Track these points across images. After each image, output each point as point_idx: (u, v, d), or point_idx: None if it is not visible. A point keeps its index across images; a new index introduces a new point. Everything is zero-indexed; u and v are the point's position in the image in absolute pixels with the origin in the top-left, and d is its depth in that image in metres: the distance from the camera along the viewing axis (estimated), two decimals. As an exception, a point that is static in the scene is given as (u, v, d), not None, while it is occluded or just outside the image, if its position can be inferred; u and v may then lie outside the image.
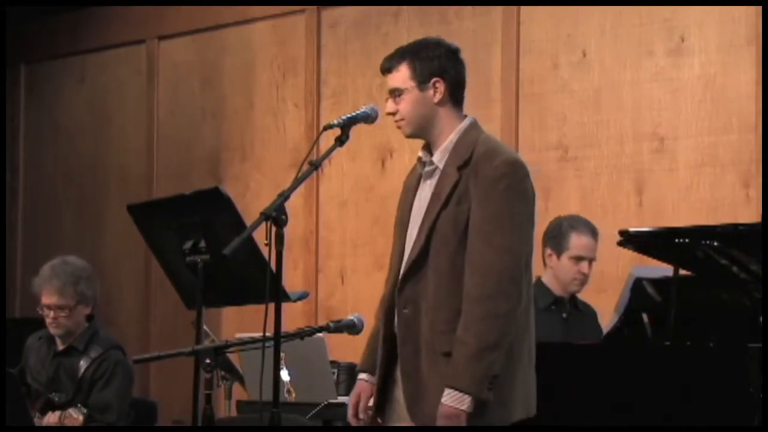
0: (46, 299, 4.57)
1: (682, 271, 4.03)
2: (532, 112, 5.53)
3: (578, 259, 4.51)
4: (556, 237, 4.52)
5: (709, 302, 4.05)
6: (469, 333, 3.07)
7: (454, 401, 3.07)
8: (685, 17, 5.13)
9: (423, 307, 3.19)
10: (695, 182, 5.08)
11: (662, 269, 4.14)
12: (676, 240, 3.97)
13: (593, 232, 4.56)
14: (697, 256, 3.95)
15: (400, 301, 3.24)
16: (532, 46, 5.54)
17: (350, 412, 3.35)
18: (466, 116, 3.32)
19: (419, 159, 3.34)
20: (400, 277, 3.26)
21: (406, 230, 3.30)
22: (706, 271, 4.02)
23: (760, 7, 4.86)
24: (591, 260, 4.55)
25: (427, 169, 3.30)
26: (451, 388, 3.08)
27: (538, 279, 4.52)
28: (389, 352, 3.28)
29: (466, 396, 3.06)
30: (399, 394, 3.26)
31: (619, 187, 5.28)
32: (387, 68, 3.31)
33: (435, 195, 3.23)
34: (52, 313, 4.56)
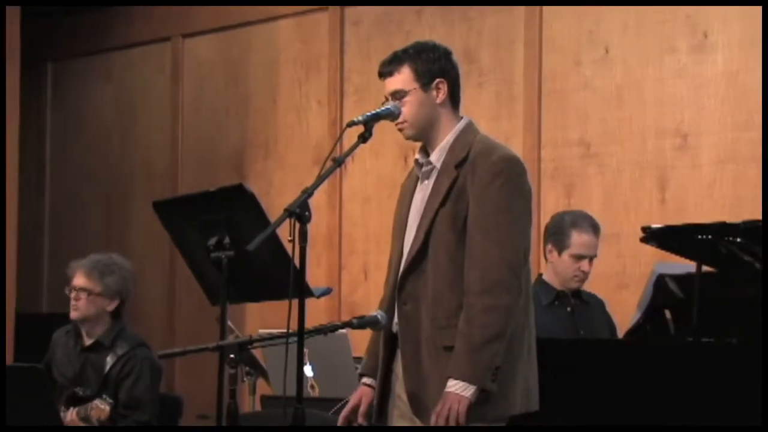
0: (74, 280, 4.61)
1: (705, 268, 4.01)
2: (555, 109, 5.51)
3: (579, 257, 4.46)
4: (558, 233, 4.49)
5: (731, 299, 4.03)
6: (472, 325, 3.09)
7: (457, 389, 3.07)
8: (707, 14, 5.10)
9: (423, 303, 3.20)
10: (718, 179, 5.05)
11: (685, 266, 4.12)
12: (699, 236, 3.95)
13: (595, 229, 4.51)
14: (720, 252, 3.93)
15: (401, 298, 3.25)
16: (554, 43, 5.52)
17: (344, 413, 3.34)
18: (462, 117, 3.34)
19: (416, 161, 3.36)
20: (400, 274, 3.27)
21: (404, 231, 3.31)
22: (729, 268, 4.00)
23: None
24: (592, 258, 4.51)
25: (424, 169, 3.31)
26: (455, 379, 3.08)
27: (539, 276, 4.51)
28: (390, 351, 3.29)
29: (471, 386, 3.07)
30: (400, 390, 3.26)
31: (641, 184, 5.26)
32: (388, 72, 3.31)
33: (433, 193, 3.24)
34: (74, 294, 4.60)
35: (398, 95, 3.28)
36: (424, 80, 3.27)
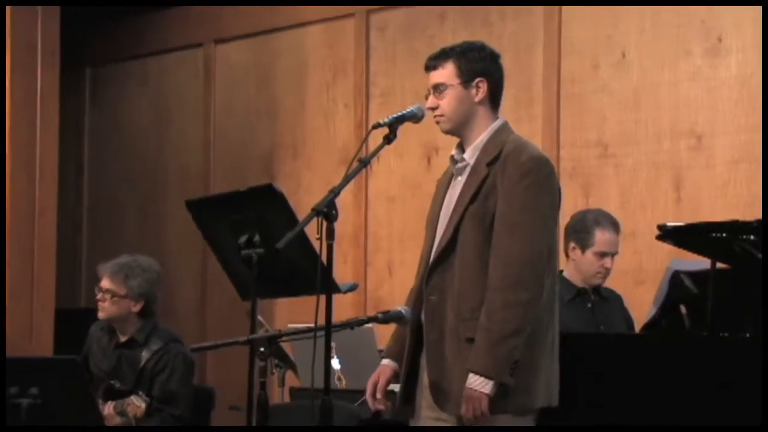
0: (101, 282, 4.64)
1: (719, 265, 3.99)
2: (573, 111, 5.49)
3: (602, 254, 4.45)
4: (580, 231, 4.47)
5: (745, 294, 4.00)
6: (492, 320, 3.09)
7: (477, 385, 3.08)
8: (721, 18, 5.07)
9: (449, 295, 3.21)
10: (732, 178, 5.01)
11: (700, 262, 4.10)
12: (714, 234, 3.93)
13: (616, 227, 4.50)
14: (734, 249, 3.90)
15: (428, 289, 3.26)
16: (573, 47, 5.50)
17: (368, 391, 3.36)
18: (498, 117, 3.34)
19: (451, 157, 3.35)
20: (428, 267, 3.27)
21: (437, 225, 3.31)
22: (743, 265, 3.97)
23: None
24: (614, 255, 4.50)
25: (458, 165, 3.32)
26: (474, 372, 3.09)
27: (560, 273, 4.49)
28: (416, 341, 3.29)
29: (489, 380, 3.07)
30: (426, 379, 3.26)
31: (657, 183, 5.23)
32: (433, 65, 3.33)
33: (465, 190, 3.25)
34: (100, 295, 4.62)
35: (439, 88, 3.29)
36: (465, 78, 3.28)
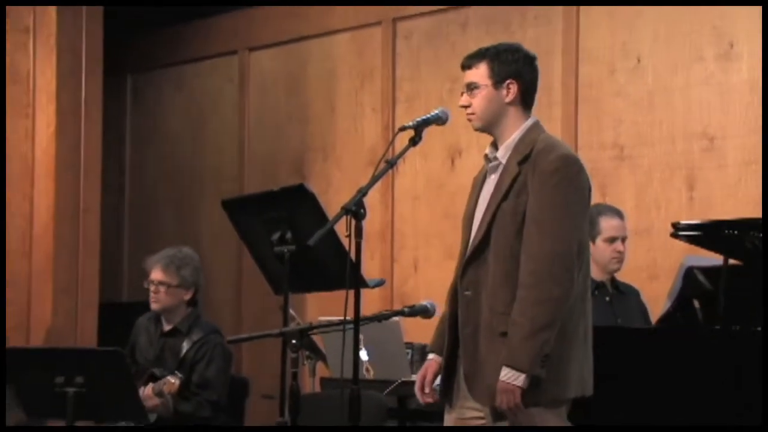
0: (152, 275, 4.66)
1: (731, 261, 3.97)
2: (590, 114, 5.47)
3: (611, 239, 4.48)
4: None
5: (756, 290, 3.98)
6: (523, 315, 3.06)
7: (510, 378, 3.06)
8: (733, 25, 5.04)
9: (483, 290, 3.19)
10: (743, 179, 4.98)
11: (712, 259, 4.08)
12: (726, 232, 3.91)
13: (619, 215, 4.55)
14: (745, 246, 3.88)
15: (462, 285, 3.24)
16: (590, 53, 5.48)
17: (417, 385, 3.36)
18: (530, 117, 3.31)
19: (485, 156, 3.34)
20: (463, 263, 3.26)
21: (472, 222, 3.29)
22: (754, 261, 3.95)
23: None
24: (623, 239, 4.53)
25: (491, 164, 3.30)
26: (507, 366, 3.07)
27: None
28: (455, 335, 3.28)
29: (521, 373, 3.05)
30: (462, 371, 3.25)
31: (671, 184, 5.21)
32: (468, 65, 3.30)
33: (497, 188, 3.22)
34: (153, 288, 4.64)
35: (471, 87, 3.27)
36: (497, 79, 3.25)
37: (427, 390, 3.33)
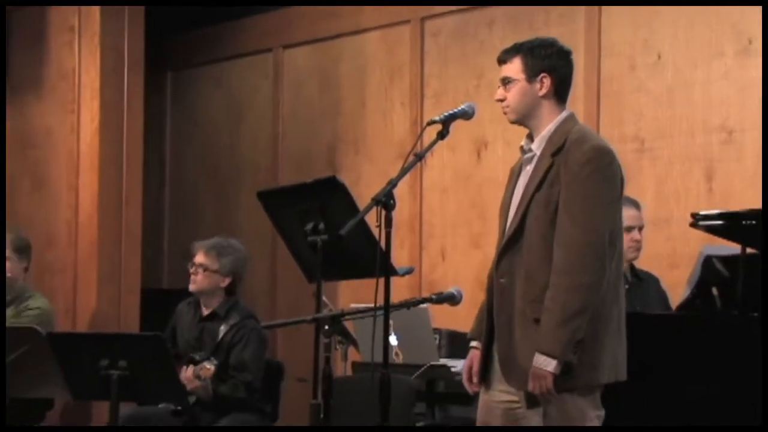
0: (195, 257, 4.69)
1: (749, 250, 3.93)
2: (612, 108, 5.43)
3: (629, 229, 4.41)
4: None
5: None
6: (556, 302, 3.04)
7: (542, 364, 3.04)
8: (752, 21, 4.98)
9: (517, 278, 3.16)
10: (760, 171, 4.93)
11: (731, 248, 4.04)
12: (744, 222, 3.88)
13: (636, 205, 4.50)
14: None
15: (498, 273, 3.22)
16: (612, 49, 5.44)
17: (464, 377, 3.33)
18: (564, 109, 3.28)
19: (521, 147, 3.31)
20: (499, 251, 3.24)
21: (508, 212, 3.27)
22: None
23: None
24: (640, 228, 4.49)
25: (527, 156, 3.27)
26: (540, 352, 3.05)
27: None
28: (491, 321, 3.25)
29: (553, 360, 3.03)
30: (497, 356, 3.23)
31: (690, 175, 5.16)
32: (503, 59, 3.28)
33: (531, 179, 3.20)
34: (193, 269, 4.67)
35: (506, 81, 3.25)
36: (531, 73, 3.22)
37: (475, 380, 3.30)
